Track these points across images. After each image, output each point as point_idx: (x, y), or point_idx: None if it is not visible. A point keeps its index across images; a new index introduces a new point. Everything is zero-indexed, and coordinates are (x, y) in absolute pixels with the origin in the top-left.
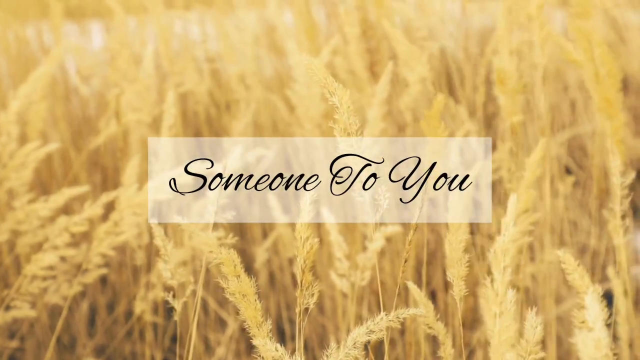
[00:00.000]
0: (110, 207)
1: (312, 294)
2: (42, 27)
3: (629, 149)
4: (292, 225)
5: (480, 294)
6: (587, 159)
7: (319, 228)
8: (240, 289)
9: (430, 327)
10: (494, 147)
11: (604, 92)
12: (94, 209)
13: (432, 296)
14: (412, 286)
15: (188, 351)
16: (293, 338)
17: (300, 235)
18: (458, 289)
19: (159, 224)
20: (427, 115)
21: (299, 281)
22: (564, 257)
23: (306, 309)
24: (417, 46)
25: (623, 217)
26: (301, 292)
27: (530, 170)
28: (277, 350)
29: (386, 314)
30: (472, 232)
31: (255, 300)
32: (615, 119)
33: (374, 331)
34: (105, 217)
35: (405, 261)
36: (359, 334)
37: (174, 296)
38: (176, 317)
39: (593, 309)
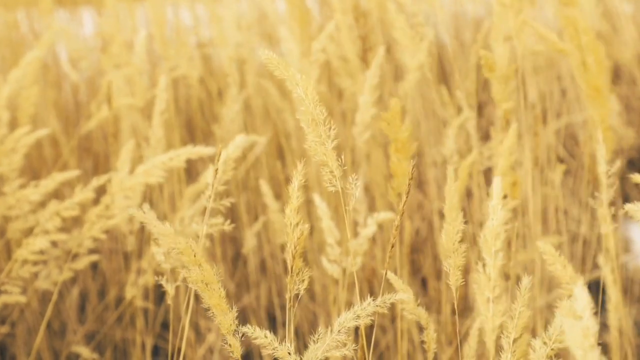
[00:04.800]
0: (101, 193)
1: (303, 280)
2: (33, 13)
3: (621, 139)
4: (284, 211)
5: (471, 281)
6: (578, 148)
7: (310, 215)
8: (203, 278)
9: (411, 313)
10: (487, 135)
11: (591, 81)
12: (85, 193)
13: (423, 283)
14: (391, 275)
15: (181, 339)
16: (284, 325)
17: (290, 221)
18: (454, 279)
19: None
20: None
21: (289, 267)
22: (545, 248)
23: (296, 295)
24: (415, 33)
25: (610, 205)
26: (291, 278)
27: (504, 156)
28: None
29: (373, 299)
30: (466, 221)
31: (219, 287)
32: (604, 107)
33: (361, 316)
34: (96, 201)
35: (392, 247)
36: (346, 319)
37: (167, 280)
38: (169, 301)
39: (581, 299)
